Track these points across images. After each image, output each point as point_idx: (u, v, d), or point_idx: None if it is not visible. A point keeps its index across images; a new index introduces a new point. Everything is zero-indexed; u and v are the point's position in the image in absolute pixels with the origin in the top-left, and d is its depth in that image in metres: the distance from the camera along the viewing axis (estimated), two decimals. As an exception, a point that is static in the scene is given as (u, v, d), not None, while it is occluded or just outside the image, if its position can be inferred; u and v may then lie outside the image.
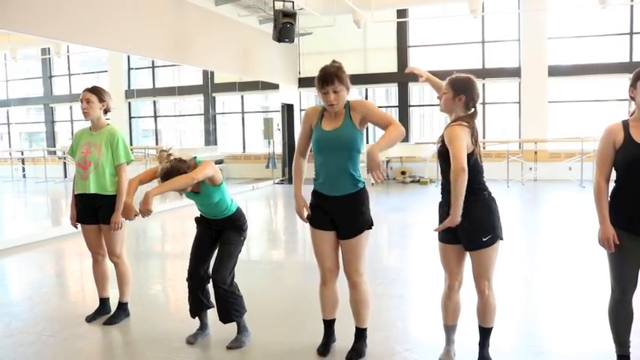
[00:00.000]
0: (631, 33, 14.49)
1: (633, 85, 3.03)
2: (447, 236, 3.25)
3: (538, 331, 4.19)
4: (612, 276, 3.17)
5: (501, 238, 3.26)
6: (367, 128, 3.74)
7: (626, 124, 3.06)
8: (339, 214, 3.43)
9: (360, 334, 3.60)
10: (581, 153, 12.98)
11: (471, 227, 3.16)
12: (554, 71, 14.68)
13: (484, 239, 3.18)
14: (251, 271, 5.99)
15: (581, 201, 10.51)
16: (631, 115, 3.10)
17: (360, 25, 13.93)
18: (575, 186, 12.69)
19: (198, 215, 3.97)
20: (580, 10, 14.45)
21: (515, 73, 15.05)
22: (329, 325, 3.68)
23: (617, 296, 3.17)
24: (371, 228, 3.50)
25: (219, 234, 3.86)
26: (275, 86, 15.53)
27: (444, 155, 3.19)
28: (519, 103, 15.15)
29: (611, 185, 3.12)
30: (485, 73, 15.34)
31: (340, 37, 15.33)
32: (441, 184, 3.32)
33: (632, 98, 3.06)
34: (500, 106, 16.19)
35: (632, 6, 14.21)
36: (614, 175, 3.12)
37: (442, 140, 3.22)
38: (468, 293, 3.42)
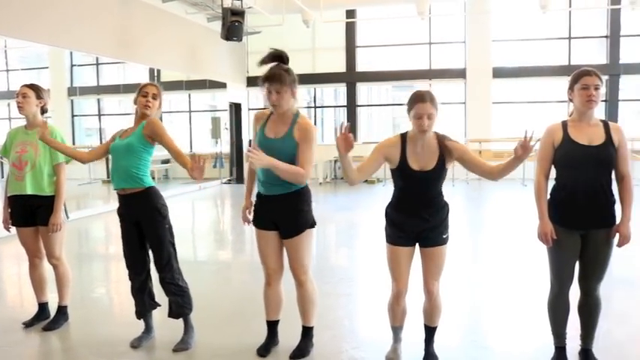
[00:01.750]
0: (569, 38, 15.09)
1: (571, 88, 3.18)
2: (401, 239, 3.23)
3: (481, 326, 4.30)
4: (551, 270, 3.29)
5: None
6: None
7: (564, 124, 3.20)
8: (280, 214, 3.41)
9: (307, 332, 3.60)
10: (523, 152, 13.35)
11: (436, 222, 3.21)
12: (498, 73, 15.10)
13: (444, 236, 3.25)
14: (198, 271, 5.90)
15: (522, 199, 10.82)
16: (570, 116, 3.25)
17: (309, 25, 13.94)
18: (517, 184, 13.05)
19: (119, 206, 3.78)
20: (522, 14, 14.90)
21: (460, 74, 15.38)
22: (272, 326, 3.65)
23: (555, 290, 3.29)
24: (313, 227, 3.47)
25: (138, 223, 3.68)
26: (223, 85, 15.37)
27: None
28: (465, 103, 15.50)
29: (552, 183, 3.23)
30: (431, 74, 15.64)
31: (289, 37, 15.27)
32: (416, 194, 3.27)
33: (571, 100, 3.21)
34: (446, 106, 16.49)
35: (570, 12, 14.77)
36: (554, 173, 3.24)
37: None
38: (412, 290, 3.45)
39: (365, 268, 6.15)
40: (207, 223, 9.69)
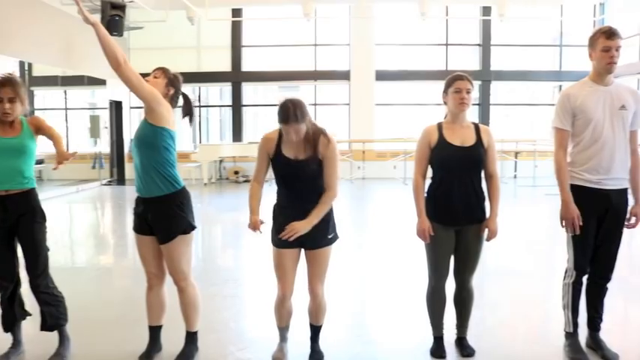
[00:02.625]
0: (446, 44, 15.97)
1: (445, 92, 3.38)
2: (285, 241, 3.19)
3: (366, 321, 4.43)
4: (429, 265, 3.47)
5: (337, 237, 3.37)
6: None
7: (440, 126, 3.38)
8: (153, 218, 3.30)
9: (190, 337, 3.52)
10: (405, 152, 13.93)
11: (320, 223, 3.21)
12: (381, 76, 15.63)
13: (329, 237, 3.29)
14: (77, 278, 5.59)
15: (404, 197, 11.26)
16: (445, 118, 3.42)
17: (193, 22, 13.67)
18: (399, 183, 13.57)
19: None
20: (404, 20, 15.55)
21: (345, 76, 15.74)
22: (154, 331, 3.54)
23: (433, 283, 3.47)
24: (188, 232, 3.35)
25: (13, 227, 3.37)
26: (102, 82, 14.65)
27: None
28: (349, 105, 15.88)
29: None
30: (316, 75, 15.88)
31: (173, 34, 14.92)
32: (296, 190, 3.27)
33: (445, 103, 3.41)
34: (331, 107, 16.83)
35: (447, 20, 15.63)
36: (431, 172, 3.41)
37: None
38: (299, 289, 3.48)
39: (251, 268, 6.12)
40: (86, 227, 9.21)
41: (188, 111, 3.56)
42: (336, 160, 3.20)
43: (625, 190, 3.44)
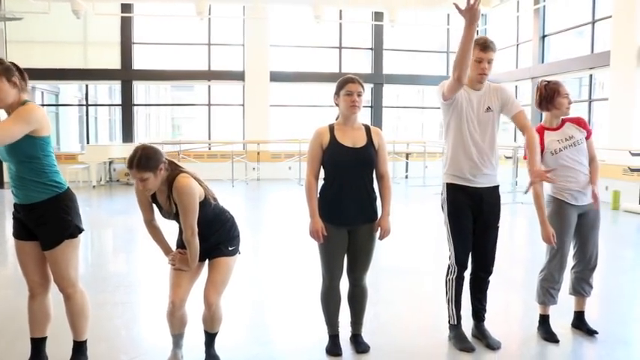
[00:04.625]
0: (340, 47, 16.29)
1: (337, 94, 3.45)
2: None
3: (262, 322, 4.41)
4: (322, 265, 3.52)
5: (240, 252, 3.39)
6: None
7: (332, 128, 3.45)
8: (34, 224, 3.10)
9: (78, 347, 3.33)
10: (299, 153, 14.05)
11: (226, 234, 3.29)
12: (276, 77, 15.66)
13: (230, 249, 3.30)
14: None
15: (298, 198, 11.34)
16: (337, 120, 3.48)
17: (79, 16, 12.99)
18: (294, 184, 13.67)
19: None
20: (298, 22, 15.69)
21: (239, 76, 15.63)
22: (38, 343, 3.29)
23: (327, 283, 3.53)
24: (75, 236, 3.17)
25: None
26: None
27: None
28: (243, 105, 15.78)
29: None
30: (211, 75, 15.65)
31: (57, 27, 14.10)
32: None
33: (337, 105, 3.47)
34: (225, 107, 16.66)
35: (341, 24, 15.96)
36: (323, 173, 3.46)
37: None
38: (194, 294, 3.41)
39: (144, 274, 5.92)
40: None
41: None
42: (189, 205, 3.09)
43: (497, 187, 3.72)
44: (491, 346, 3.71)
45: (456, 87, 3.42)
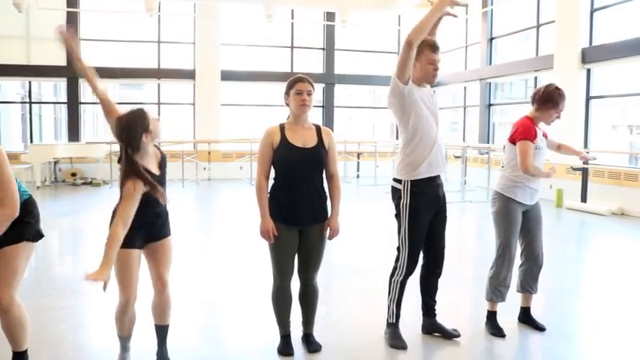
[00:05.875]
0: (292, 47, 16.28)
1: (287, 93, 3.46)
2: (133, 240, 3.06)
3: (214, 324, 4.37)
4: (273, 265, 3.51)
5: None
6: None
7: (282, 127, 3.44)
8: None
9: (18, 357, 3.15)
10: (251, 153, 13.97)
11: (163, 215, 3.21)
12: (227, 76, 15.52)
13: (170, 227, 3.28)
14: None
15: (250, 198, 11.25)
16: (287, 119, 3.48)
17: (21, 10, 12.49)
18: (246, 184, 13.58)
19: None
20: (250, 21, 15.59)
21: (190, 75, 15.42)
22: None
23: (278, 283, 3.52)
24: (34, 240, 3.05)
25: None
26: None
27: None
28: (194, 104, 15.58)
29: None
30: (160, 74, 15.39)
31: (-4, 21, 13.58)
32: None
33: (287, 104, 3.47)
34: (176, 106, 16.40)
35: (292, 23, 15.95)
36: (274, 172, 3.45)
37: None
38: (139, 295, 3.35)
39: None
40: None
41: None
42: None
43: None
44: (451, 334, 3.88)
45: (408, 54, 3.39)
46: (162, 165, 3.19)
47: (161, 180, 3.13)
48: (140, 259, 3.19)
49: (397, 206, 3.71)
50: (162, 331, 3.37)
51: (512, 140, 3.94)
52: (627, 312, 4.67)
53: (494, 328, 4.00)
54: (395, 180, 3.73)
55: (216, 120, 15.55)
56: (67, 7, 14.24)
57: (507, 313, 4.16)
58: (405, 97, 3.53)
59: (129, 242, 3.03)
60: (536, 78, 13.12)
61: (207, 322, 4.42)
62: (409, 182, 3.64)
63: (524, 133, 3.87)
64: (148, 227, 3.13)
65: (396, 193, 3.72)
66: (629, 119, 12.91)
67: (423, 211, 3.66)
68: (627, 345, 3.95)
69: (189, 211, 10.60)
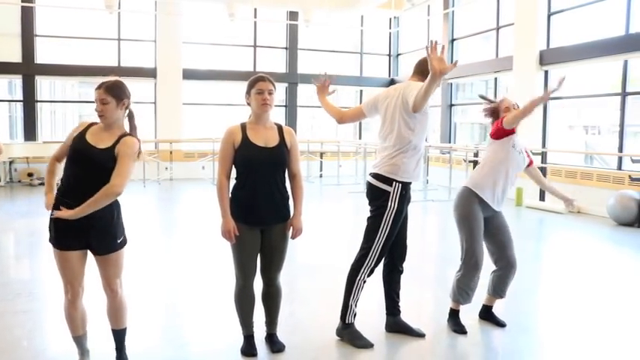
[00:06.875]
0: (255, 46, 16.20)
1: (248, 92, 3.44)
2: (68, 242, 3.01)
3: (176, 325, 4.31)
4: (235, 265, 3.48)
5: (126, 241, 3.22)
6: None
7: (244, 127, 3.42)
8: None
9: None
10: (213, 153, 13.84)
11: (109, 227, 3.05)
12: (189, 74, 15.34)
13: (119, 241, 3.12)
14: None
15: (212, 198, 11.16)
16: (249, 119, 3.47)
17: (-27, 5, 12.12)
18: (208, 184, 13.45)
19: None
20: (212, 20, 15.44)
21: (151, 73, 15.20)
22: None
23: (240, 283, 3.49)
24: None
25: None
26: None
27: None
28: (155, 103, 15.36)
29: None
30: (120, 72, 15.03)
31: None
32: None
33: (248, 104, 3.46)
34: (137, 106, 16.09)
35: (255, 22, 15.85)
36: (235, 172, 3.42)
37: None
38: (91, 292, 3.28)
39: (49, 280, 5.60)
40: None
41: None
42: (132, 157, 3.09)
43: None
44: (419, 334, 3.93)
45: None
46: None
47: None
48: (84, 258, 3.11)
49: (379, 207, 3.66)
50: (119, 335, 3.30)
51: (495, 132, 4.01)
52: (583, 307, 4.80)
53: (457, 325, 4.05)
54: (380, 180, 3.67)
55: (178, 119, 15.35)
56: (22, 1, 13.84)
57: (468, 310, 4.22)
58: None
59: (63, 244, 3.01)
60: (496, 79, 13.37)
61: (169, 324, 4.35)
62: (399, 185, 3.64)
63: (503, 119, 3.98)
64: (79, 234, 3.00)
65: (381, 195, 3.66)
66: (585, 120, 13.28)
67: (402, 214, 3.72)
68: (584, 338, 4.06)
69: (151, 211, 10.45)
